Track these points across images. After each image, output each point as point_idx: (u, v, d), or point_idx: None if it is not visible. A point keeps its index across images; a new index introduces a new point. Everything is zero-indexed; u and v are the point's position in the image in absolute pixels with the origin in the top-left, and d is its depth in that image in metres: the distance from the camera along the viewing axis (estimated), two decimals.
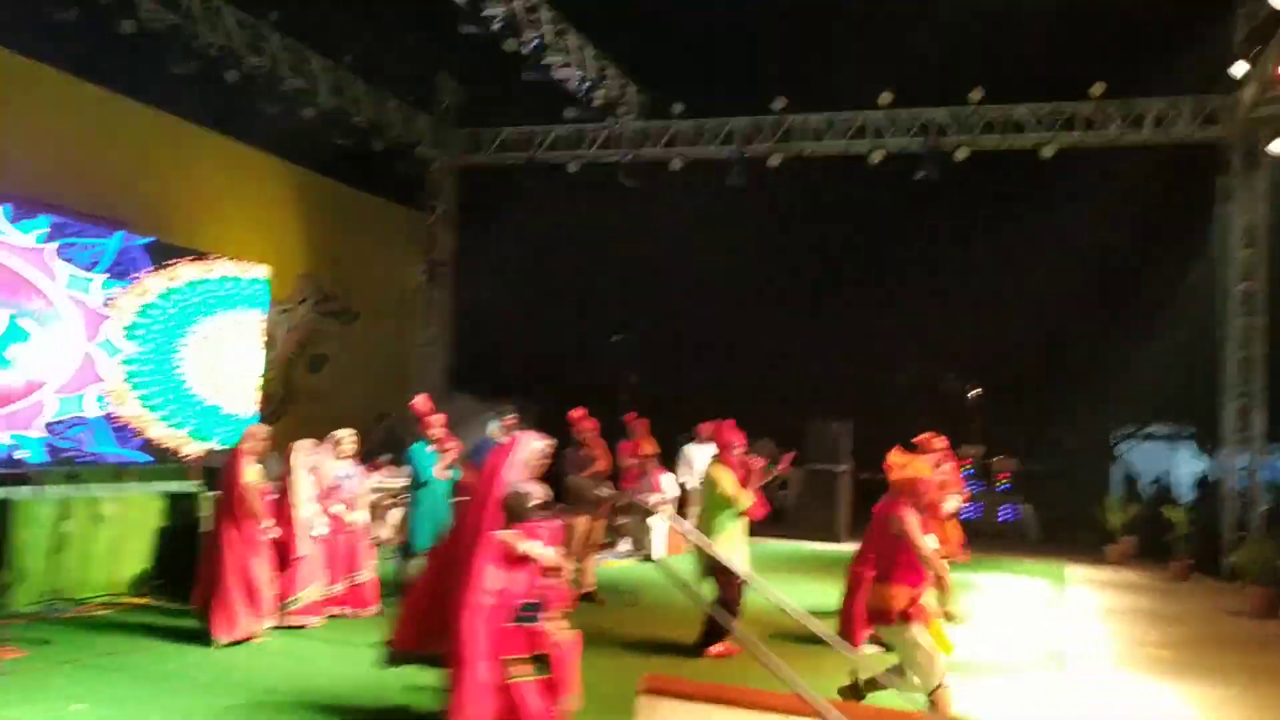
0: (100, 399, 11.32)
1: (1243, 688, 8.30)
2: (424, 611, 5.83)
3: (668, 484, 13.53)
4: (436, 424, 10.14)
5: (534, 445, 5.94)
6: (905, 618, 5.82)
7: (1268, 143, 14.69)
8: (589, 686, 7.25)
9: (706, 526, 8.50)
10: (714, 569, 8.16)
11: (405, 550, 9.99)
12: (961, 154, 16.24)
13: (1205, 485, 19.83)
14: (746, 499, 8.22)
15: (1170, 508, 15.84)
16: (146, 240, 12.00)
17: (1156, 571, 14.97)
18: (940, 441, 10.24)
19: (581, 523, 10.50)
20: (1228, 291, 15.34)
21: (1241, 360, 15.12)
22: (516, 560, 5.48)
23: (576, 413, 10.67)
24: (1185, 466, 23.24)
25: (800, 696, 1.47)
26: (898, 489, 6.07)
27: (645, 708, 2.25)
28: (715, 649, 8.26)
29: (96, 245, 11.19)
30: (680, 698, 2.21)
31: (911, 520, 5.82)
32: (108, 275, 11.50)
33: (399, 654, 6.13)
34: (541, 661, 5.53)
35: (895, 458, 6.25)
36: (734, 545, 8.17)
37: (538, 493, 5.74)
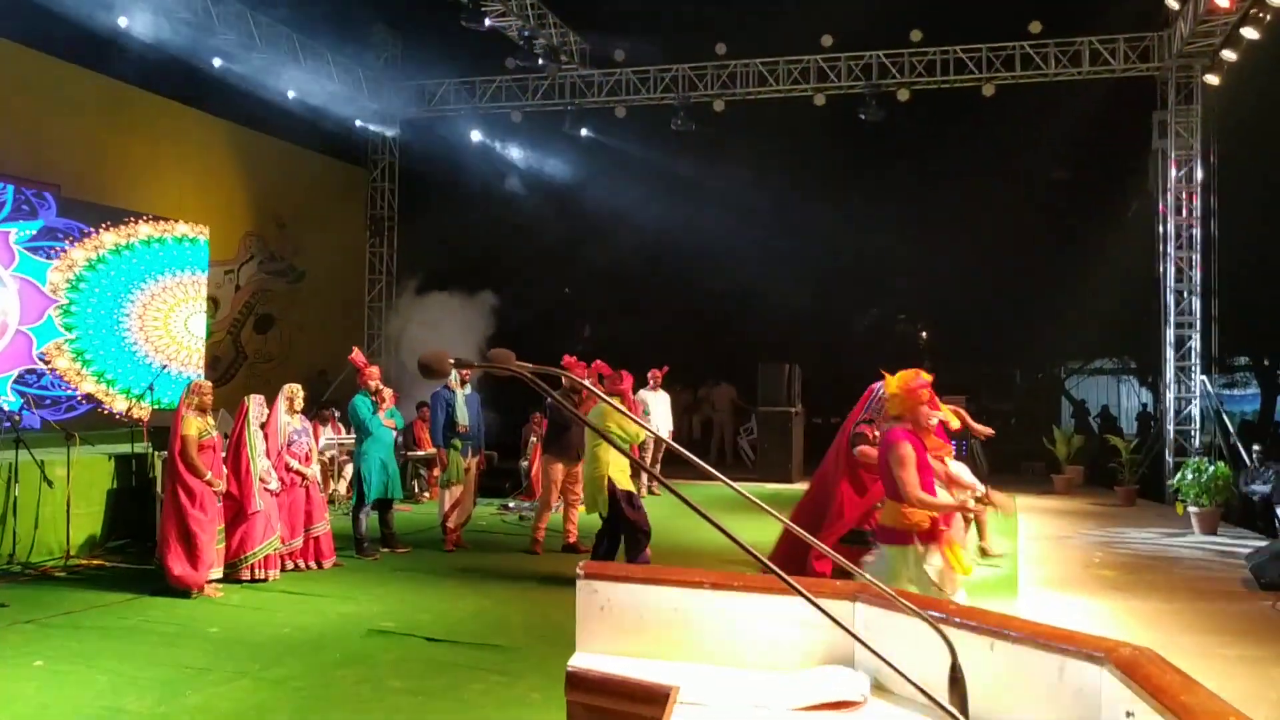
0: (20, 390, 11.23)
1: (1185, 601, 8.59)
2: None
3: None
4: (374, 375, 10.16)
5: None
6: (925, 538, 5.65)
7: (1200, 77, 14.96)
8: (552, 624, 7.41)
9: (604, 462, 8.79)
10: (628, 505, 8.67)
11: (358, 503, 10.01)
12: (903, 95, 16.39)
13: (1148, 414, 20.32)
14: (641, 433, 8.85)
15: (1115, 437, 16.22)
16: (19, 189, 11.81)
17: (1103, 498, 15.35)
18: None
19: (558, 469, 10.56)
20: (1164, 223, 15.64)
21: (1178, 292, 15.46)
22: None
23: None
24: (1130, 398, 23.77)
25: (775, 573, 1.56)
26: (895, 411, 5.86)
27: (584, 589, 2.34)
28: None
29: None
30: (616, 579, 2.31)
31: (906, 458, 5.60)
32: (37, 235, 11.37)
33: None
34: None
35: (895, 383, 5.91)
36: (628, 474, 8.76)
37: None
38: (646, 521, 8.81)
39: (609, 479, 8.64)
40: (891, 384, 5.94)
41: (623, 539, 8.82)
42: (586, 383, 1.72)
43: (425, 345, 14.08)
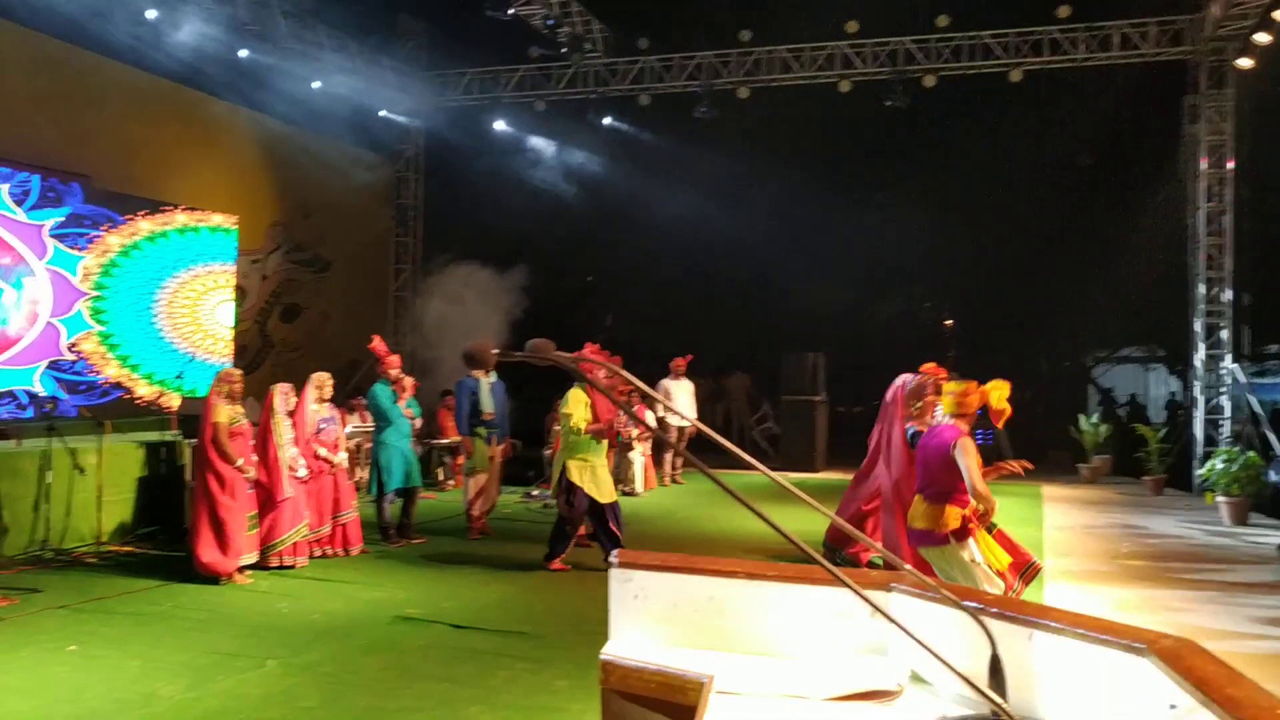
0: (48, 377, 11.30)
1: (1214, 592, 8.53)
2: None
3: (649, 419, 13.64)
4: (395, 364, 10.20)
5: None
6: (960, 536, 5.81)
7: (1233, 60, 14.76)
8: (577, 611, 7.45)
9: (564, 448, 8.91)
10: (566, 495, 8.76)
11: (380, 491, 10.03)
12: (929, 81, 16.25)
13: (1176, 403, 20.14)
14: (581, 425, 8.64)
15: (1143, 426, 16.09)
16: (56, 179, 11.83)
17: (1130, 488, 15.25)
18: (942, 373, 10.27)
19: None
20: (1196, 211, 15.47)
21: (1209, 279, 15.29)
22: None
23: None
24: (1158, 387, 23.56)
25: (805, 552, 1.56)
26: (952, 410, 5.93)
27: (618, 577, 2.34)
28: (555, 564, 8.92)
29: (22, 177, 10.99)
30: (649, 568, 2.31)
31: (971, 450, 5.75)
32: (67, 222, 11.46)
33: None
34: None
35: (957, 386, 6.04)
36: (588, 468, 8.70)
37: None
38: (577, 524, 8.89)
39: (564, 465, 8.76)
40: (955, 386, 5.96)
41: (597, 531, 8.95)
42: (626, 373, 1.71)
43: (449, 324, 14.13)
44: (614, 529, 8.80)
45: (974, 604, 1.86)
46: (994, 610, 1.89)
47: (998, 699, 1.53)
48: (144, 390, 12.42)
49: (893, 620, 1.57)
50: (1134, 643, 1.68)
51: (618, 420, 8.96)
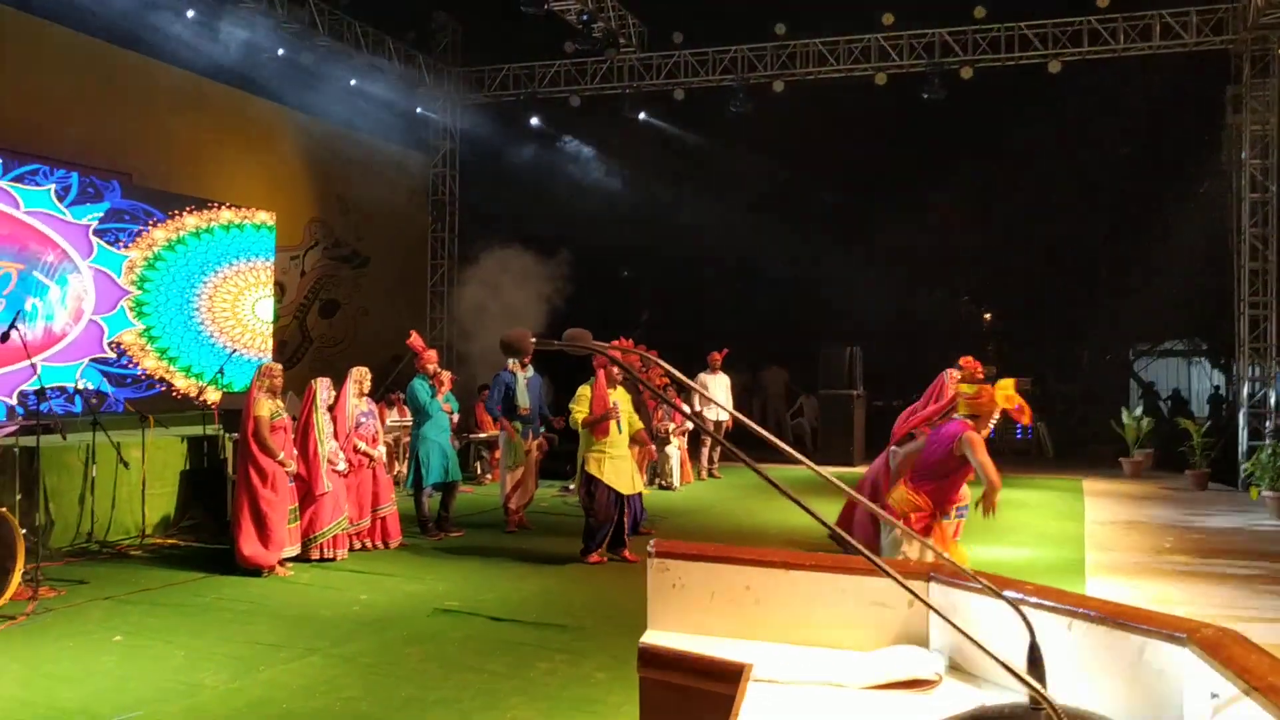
0: (94, 370, 11.45)
1: (1260, 587, 8.42)
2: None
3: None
4: (432, 359, 10.27)
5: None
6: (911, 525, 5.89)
7: (1277, 49, 14.51)
8: (615, 604, 7.48)
9: (582, 442, 9.03)
10: (586, 488, 8.89)
11: (418, 484, 10.11)
12: (967, 73, 16.10)
13: (1220, 397, 19.85)
14: (579, 418, 8.81)
15: (1186, 420, 15.88)
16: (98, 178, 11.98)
17: (1173, 482, 15.06)
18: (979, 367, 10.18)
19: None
20: (1239, 202, 15.23)
21: (1253, 271, 15.05)
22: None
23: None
24: (1201, 380, 23.22)
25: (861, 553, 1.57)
26: (969, 412, 5.99)
27: (656, 567, 2.35)
28: (593, 557, 8.97)
29: (60, 174, 11.13)
30: (687, 558, 2.32)
31: (979, 445, 5.80)
32: (106, 220, 11.62)
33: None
34: None
35: (969, 389, 6.13)
36: (606, 460, 8.81)
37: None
38: (601, 516, 8.89)
39: (582, 459, 8.92)
40: (968, 389, 6.01)
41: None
42: (664, 363, 1.73)
43: (486, 313, 14.17)
44: (625, 521, 9.00)
45: (1014, 594, 1.86)
46: (1032, 600, 1.89)
47: (1039, 686, 1.53)
48: (181, 383, 12.57)
49: (935, 610, 1.57)
50: (1174, 632, 1.67)
51: (614, 411, 8.94)
